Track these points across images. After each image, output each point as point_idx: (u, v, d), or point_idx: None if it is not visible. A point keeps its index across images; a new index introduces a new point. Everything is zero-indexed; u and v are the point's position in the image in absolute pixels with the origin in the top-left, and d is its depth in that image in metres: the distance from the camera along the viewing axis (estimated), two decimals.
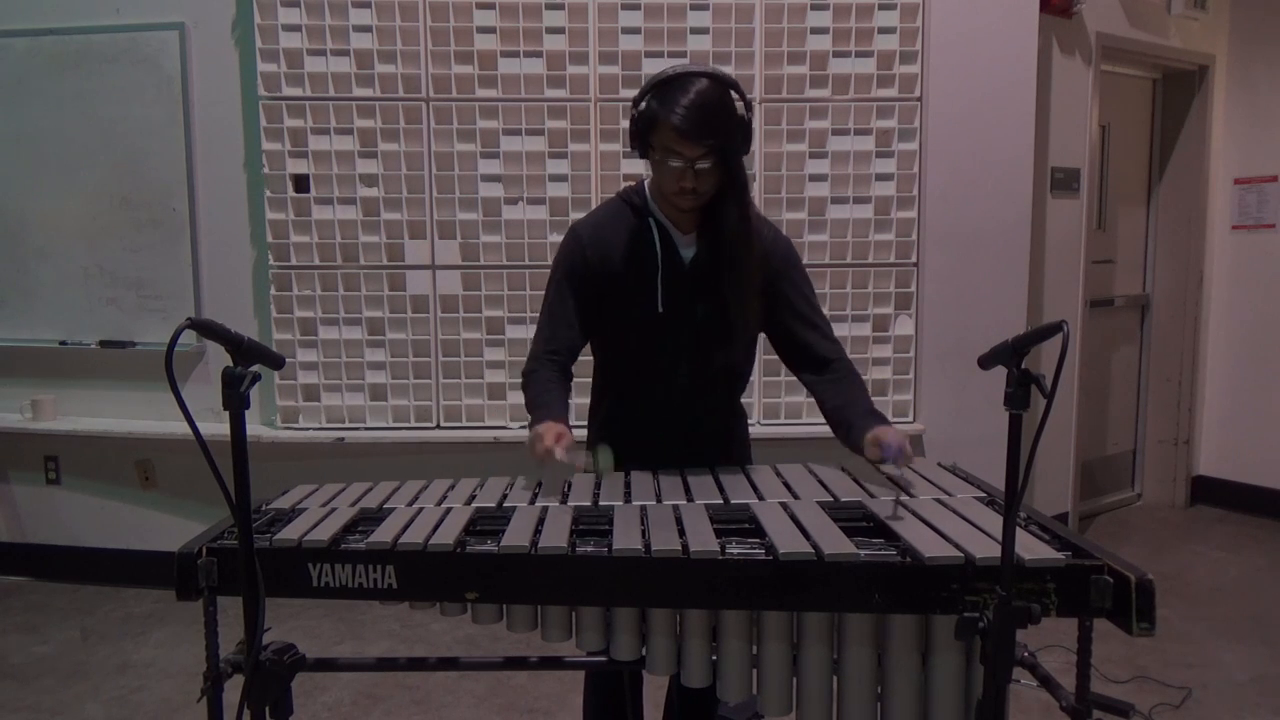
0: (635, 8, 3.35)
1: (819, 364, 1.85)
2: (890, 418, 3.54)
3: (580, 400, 1.86)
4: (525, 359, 1.85)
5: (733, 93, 1.70)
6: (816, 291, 3.53)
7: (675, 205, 1.75)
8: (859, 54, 3.42)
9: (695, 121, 1.62)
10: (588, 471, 1.71)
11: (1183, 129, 4.54)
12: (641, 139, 1.72)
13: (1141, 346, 4.74)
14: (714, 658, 1.40)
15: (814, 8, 3.39)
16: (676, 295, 1.79)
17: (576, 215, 3.38)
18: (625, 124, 1.75)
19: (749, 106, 1.73)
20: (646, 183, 1.84)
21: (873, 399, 3.43)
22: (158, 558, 3.51)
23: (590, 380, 1.95)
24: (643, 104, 1.70)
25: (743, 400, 1.99)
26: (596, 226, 1.84)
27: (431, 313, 3.43)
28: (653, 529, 1.44)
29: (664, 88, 1.67)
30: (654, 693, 2.15)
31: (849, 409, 1.77)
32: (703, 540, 1.37)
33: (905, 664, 1.35)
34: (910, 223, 3.48)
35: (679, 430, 1.84)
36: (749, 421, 2.02)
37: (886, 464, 1.64)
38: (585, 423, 1.97)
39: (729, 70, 3.35)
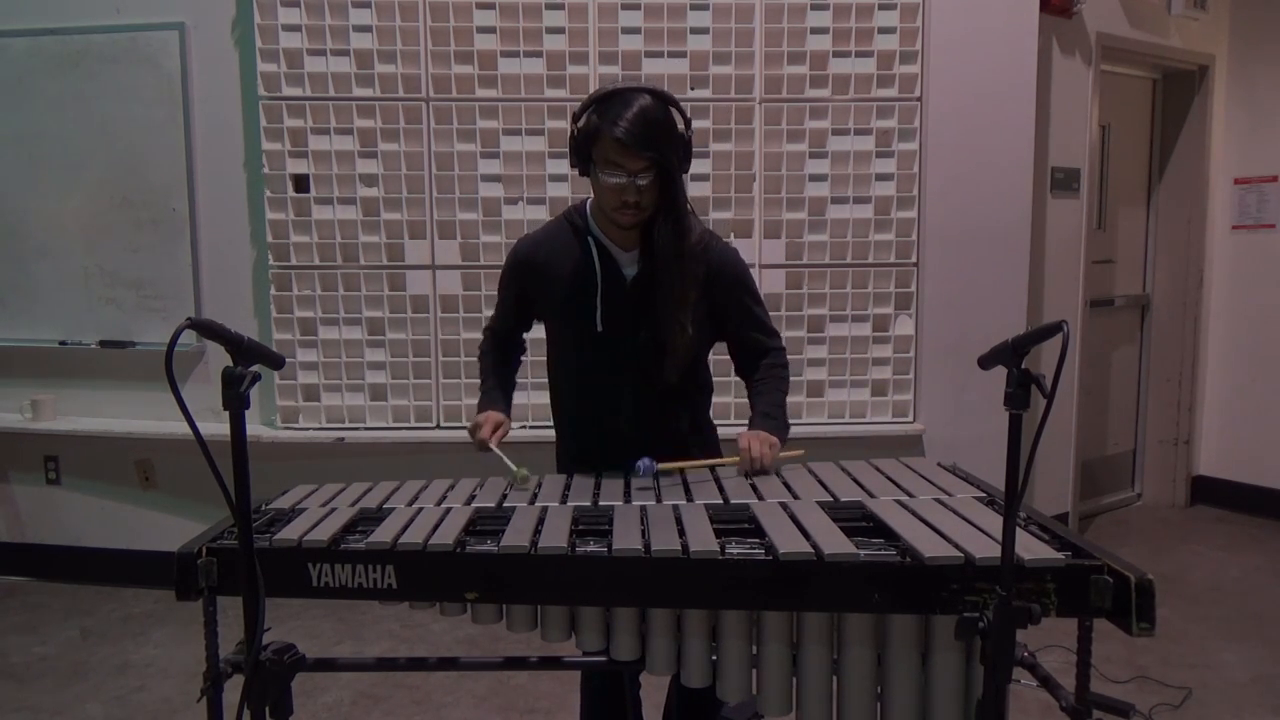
0: (635, 8, 3.35)
1: (752, 370, 1.93)
2: (890, 417, 3.58)
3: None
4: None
5: (673, 110, 1.70)
6: (816, 292, 3.54)
7: (616, 222, 1.74)
8: (859, 54, 3.42)
9: (637, 134, 1.63)
10: (517, 484, 1.74)
11: (1183, 129, 4.54)
12: (582, 154, 1.72)
13: (1141, 346, 4.74)
14: (714, 658, 1.40)
15: (814, 8, 3.38)
16: (616, 314, 1.78)
17: None
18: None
19: (688, 125, 1.73)
20: (588, 203, 1.84)
21: (873, 399, 3.41)
22: (158, 558, 3.51)
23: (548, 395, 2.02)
24: (582, 119, 1.70)
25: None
26: (535, 246, 1.87)
27: (431, 313, 3.43)
28: (653, 529, 1.44)
29: (605, 102, 1.67)
30: (654, 693, 2.15)
31: (754, 409, 1.88)
32: (703, 540, 1.37)
33: (905, 664, 1.35)
34: (910, 223, 3.48)
35: (633, 450, 1.79)
36: (723, 423, 2.04)
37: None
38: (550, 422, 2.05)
39: (728, 70, 3.37)
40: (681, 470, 1.77)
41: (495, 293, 3.34)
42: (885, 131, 3.45)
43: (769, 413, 1.84)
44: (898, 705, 1.35)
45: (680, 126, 1.71)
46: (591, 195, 1.82)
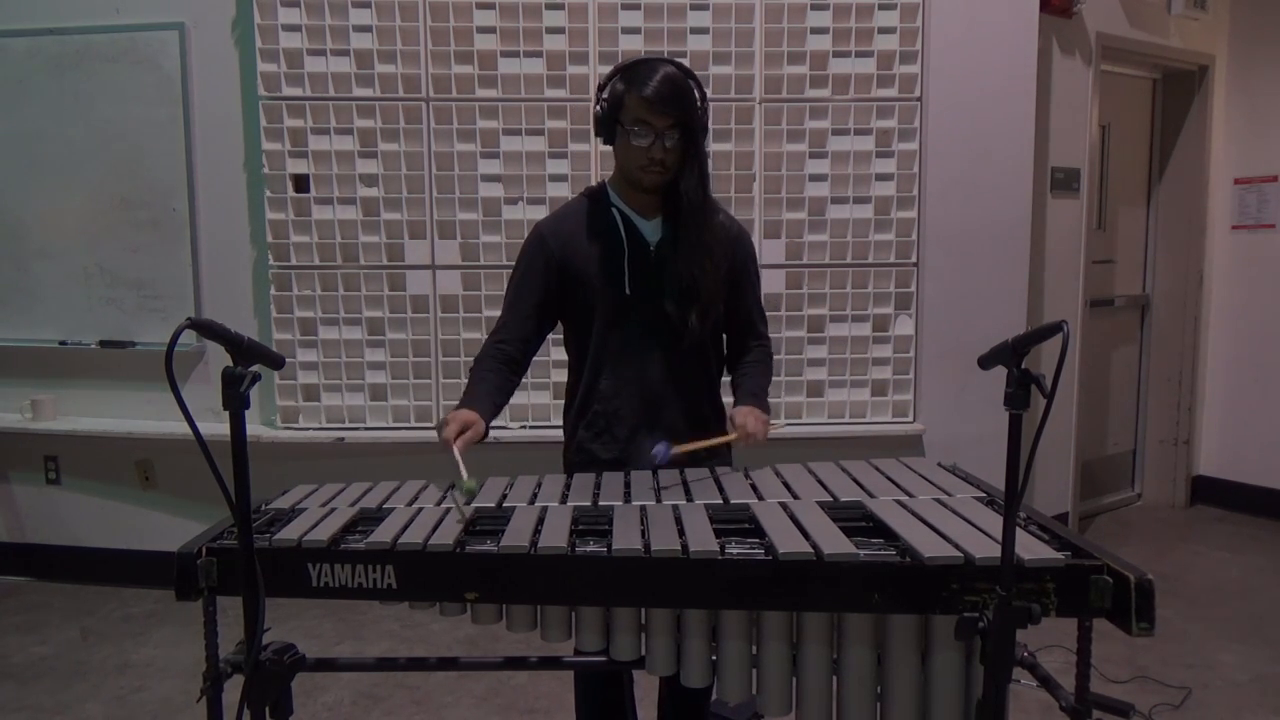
0: (635, 8, 3.35)
1: (743, 353, 1.99)
2: (890, 417, 3.57)
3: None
4: None
5: (691, 80, 1.79)
6: (816, 292, 3.55)
7: (641, 183, 1.80)
8: (859, 54, 3.42)
9: (664, 95, 1.73)
10: (461, 491, 1.61)
11: (1183, 129, 4.54)
12: (608, 121, 1.79)
13: (1141, 346, 4.74)
14: (714, 658, 1.40)
15: (814, 8, 3.38)
16: (644, 278, 1.83)
17: None
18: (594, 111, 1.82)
19: (705, 99, 1.81)
20: (607, 179, 1.91)
21: (873, 399, 3.42)
22: (158, 558, 3.51)
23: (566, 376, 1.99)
24: (608, 89, 1.79)
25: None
26: (558, 221, 1.90)
27: (431, 313, 3.43)
28: (652, 529, 1.44)
29: (631, 70, 1.77)
30: (650, 691, 2.15)
31: (741, 389, 1.94)
32: (702, 540, 1.37)
33: (905, 664, 1.35)
34: (910, 223, 3.48)
35: (653, 415, 1.86)
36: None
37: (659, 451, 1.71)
38: (560, 422, 2.02)
39: (728, 70, 3.37)
40: (694, 452, 1.75)
41: (496, 292, 3.39)
42: (885, 131, 3.45)
43: (757, 393, 1.92)
44: (898, 705, 1.35)
45: (699, 92, 1.79)
46: (610, 174, 1.89)
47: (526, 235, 1.92)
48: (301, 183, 3.40)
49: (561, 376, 3.29)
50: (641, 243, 1.84)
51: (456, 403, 1.76)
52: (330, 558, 1.40)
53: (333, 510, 1.57)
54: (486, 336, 1.91)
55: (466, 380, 1.85)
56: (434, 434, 1.68)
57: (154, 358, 3.56)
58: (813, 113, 3.43)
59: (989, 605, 1.22)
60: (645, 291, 1.83)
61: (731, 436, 1.80)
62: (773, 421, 1.88)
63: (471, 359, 1.87)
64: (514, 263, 1.92)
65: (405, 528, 1.46)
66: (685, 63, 1.81)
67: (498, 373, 1.83)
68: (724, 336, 1.98)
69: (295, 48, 3.35)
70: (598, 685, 1.95)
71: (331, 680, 2.82)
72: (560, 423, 2.03)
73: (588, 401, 1.91)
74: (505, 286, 1.93)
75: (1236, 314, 4.55)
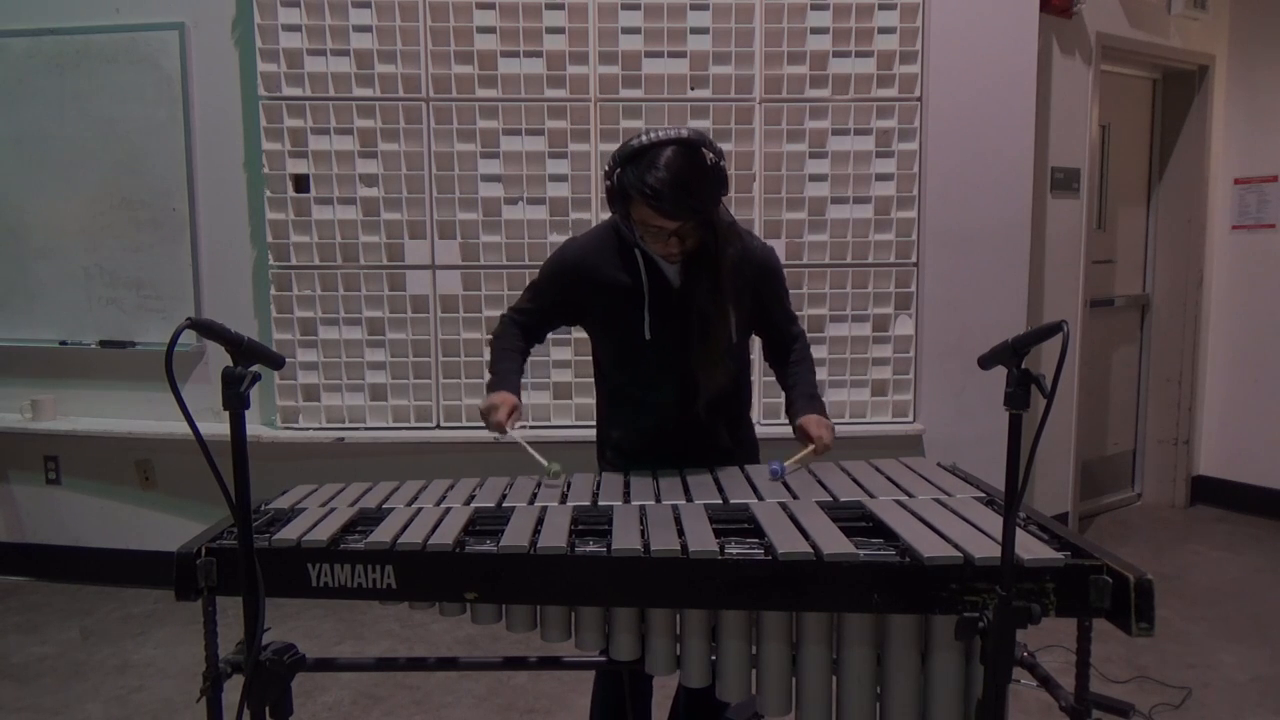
0: (635, 8, 3.35)
1: (783, 355, 2.02)
2: (890, 418, 3.57)
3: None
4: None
5: (703, 150, 1.66)
6: (816, 292, 3.55)
7: (663, 260, 1.79)
8: (859, 54, 3.42)
9: (670, 200, 1.63)
10: (549, 478, 1.78)
11: (1183, 129, 4.54)
12: (619, 208, 1.73)
13: (1141, 346, 4.74)
14: (713, 658, 1.40)
15: (814, 8, 3.38)
16: (663, 322, 1.81)
17: (577, 215, 3.40)
18: (603, 186, 1.80)
19: (719, 154, 1.70)
20: None
21: (873, 399, 3.44)
22: (158, 558, 3.51)
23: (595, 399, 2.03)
24: (615, 175, 1.69)
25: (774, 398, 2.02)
26: (584, 250, 1.88)
27: (431, 313, 3.43)
28: (652, 529, 1.44)
29: (634, 162, 1.65)
30: (663, 696, 2.15)
31: (794, 390, 1.96)
32: (702, 540, 1.37)
33: (905, 664, 1.35)
34: (910, 223, 3.48)
35: (680, 450, 1.87)
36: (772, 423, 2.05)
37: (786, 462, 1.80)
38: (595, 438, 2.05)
39: (728, 70, 3.37)
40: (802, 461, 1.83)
41: (496, 293, 3.40)
42: (885, 131, 3.45)
43: (813, 394, 1.94)
44: (898, 705, 1.35)
45: (711, 161, 1.67)
46: None
47: (558, 247, 1.93)
48: (301, 183, 3.40)
49: (561, 376, 3.33)
50: (664, 286, 1.81)
51: (486, 379, 1.85)
52: (330, 558, 1.40)
53: (332, 510, 1.57)
54: (507, 310, 1.99)
55: (492, 350, 1.95)
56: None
57: (154, 358, 3.56)
58: (813, 113, 3.42)
59: (989, 605, 1.22)
60: (665, 335, 1.81)
61: (811, 449, 1.82)
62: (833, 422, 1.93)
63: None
64: (539, 265, 1.95)
65: (405, 528, 1.46)
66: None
67: (521, 352, 1.94)
68: (748, 378, 2.00)
69: (295, 48, 3.35)
70: (616, 685, 1.95)
71: (331, 680, 2.82)
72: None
73: (606, 439, 1.98)
74: (526, 280, 1.98)
75: (1236, 314, 4.55)
